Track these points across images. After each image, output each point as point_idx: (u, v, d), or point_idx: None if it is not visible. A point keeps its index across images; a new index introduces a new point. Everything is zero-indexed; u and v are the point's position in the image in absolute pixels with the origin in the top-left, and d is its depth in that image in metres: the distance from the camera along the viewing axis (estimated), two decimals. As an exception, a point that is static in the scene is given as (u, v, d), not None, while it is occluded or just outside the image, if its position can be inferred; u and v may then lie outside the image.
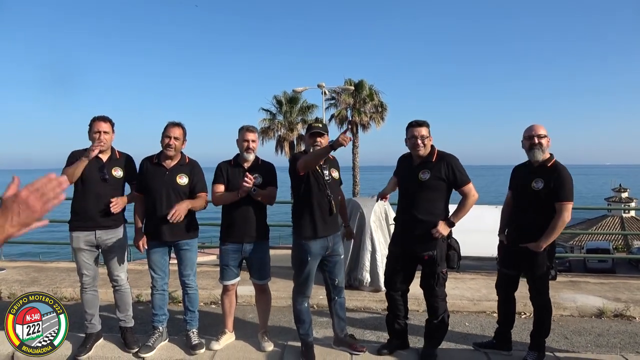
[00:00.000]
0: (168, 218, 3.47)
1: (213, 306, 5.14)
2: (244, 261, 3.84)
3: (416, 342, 3.95)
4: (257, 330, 3.96)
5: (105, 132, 3.59)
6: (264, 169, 3.81)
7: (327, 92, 25.80)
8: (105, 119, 3.65)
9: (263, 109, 29.29)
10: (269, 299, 3.98)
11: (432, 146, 3.51)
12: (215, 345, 3.76)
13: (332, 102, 29.49)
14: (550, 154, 3.49)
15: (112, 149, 3.75)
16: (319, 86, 24.24)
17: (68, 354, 3.68)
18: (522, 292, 3.72)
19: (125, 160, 3.81)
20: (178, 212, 3.49)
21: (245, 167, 3.72)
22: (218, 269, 3.92)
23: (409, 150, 3.58)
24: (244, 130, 3.75)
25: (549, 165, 3.44)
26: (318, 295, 4.88)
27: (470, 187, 3.46)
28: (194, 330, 3.84)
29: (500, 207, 3.99)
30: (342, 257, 3.73)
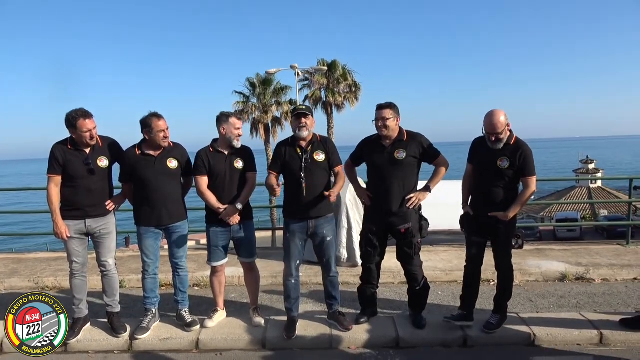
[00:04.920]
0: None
1: (196, 288, 5.25)
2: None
3: (392, 312, 4.19)
4: (240, 308, 4.12)
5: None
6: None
7: (300, 73, 25.62)
8: (89, 115, 3.57)
9: (236, 92, 28.95)
10: (257, 276, 4.14)
11: (400, 127, 3.74)
12: (209, 323, 3.93)
13: (306, 83, 29.36)
14: (510, 131, 3.61)
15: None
16: (292, 67, 24.06)
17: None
18: (491, 261, 3.93)
19: (109, 146, 3.77)
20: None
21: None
22: (197, 252, 4.01)
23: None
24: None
25: (511, 143, 3.61)
26: (308, 272, 5.23)
27: (440, 159, 3.79)
28: (185, 309, 4.00)
29: None
30: (329, 238, 3.80)
